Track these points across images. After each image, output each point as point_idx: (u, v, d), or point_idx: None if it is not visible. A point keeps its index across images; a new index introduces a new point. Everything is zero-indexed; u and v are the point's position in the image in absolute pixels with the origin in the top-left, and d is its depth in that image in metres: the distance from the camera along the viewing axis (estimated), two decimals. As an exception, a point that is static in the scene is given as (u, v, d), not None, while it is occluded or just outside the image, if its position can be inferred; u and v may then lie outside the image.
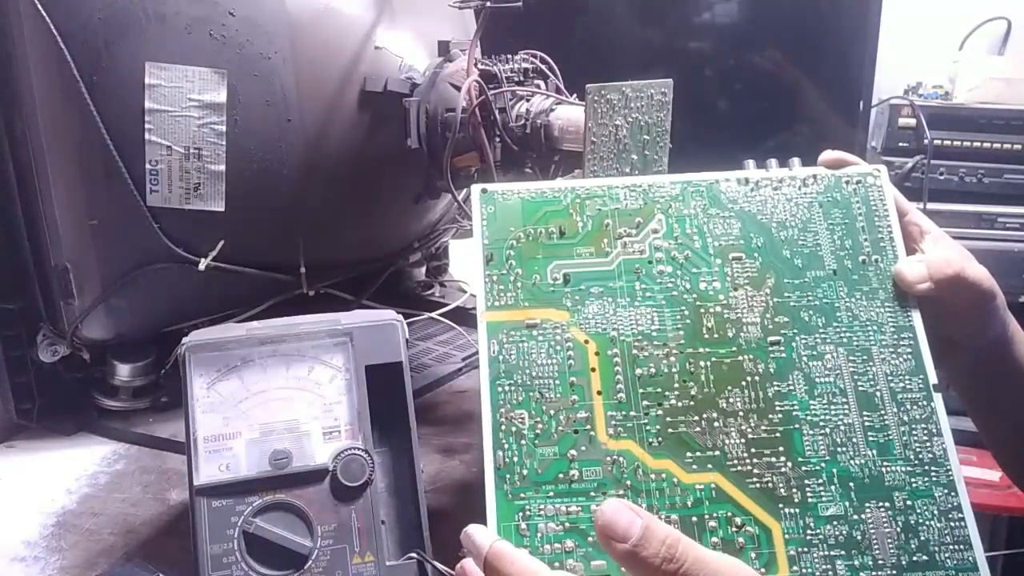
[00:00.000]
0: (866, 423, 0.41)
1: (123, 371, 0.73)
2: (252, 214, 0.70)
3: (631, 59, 1.31)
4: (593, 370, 0.42)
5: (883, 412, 0.41)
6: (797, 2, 1.30)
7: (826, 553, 0.38)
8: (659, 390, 0.42)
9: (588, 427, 0.41)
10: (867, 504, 0.39)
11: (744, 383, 0.42)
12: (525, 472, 0.40)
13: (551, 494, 0.40)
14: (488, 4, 0.71)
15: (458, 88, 0.72)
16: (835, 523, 0.39)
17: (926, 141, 1.36)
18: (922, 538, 0.39)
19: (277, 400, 0.46)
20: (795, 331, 0.43)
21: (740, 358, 0.43)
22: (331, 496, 0.44)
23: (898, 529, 0.39)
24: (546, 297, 0.44)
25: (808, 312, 0.44)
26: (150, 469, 0.66)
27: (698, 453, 0.41)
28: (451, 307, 0.94)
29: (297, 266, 0.75)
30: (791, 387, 0.42)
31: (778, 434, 0.41)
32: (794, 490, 0.40)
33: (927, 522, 0.39)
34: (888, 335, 0.43)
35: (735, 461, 0.40)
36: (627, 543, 0.32)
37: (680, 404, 0.42)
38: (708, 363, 0.42)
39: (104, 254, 0.66)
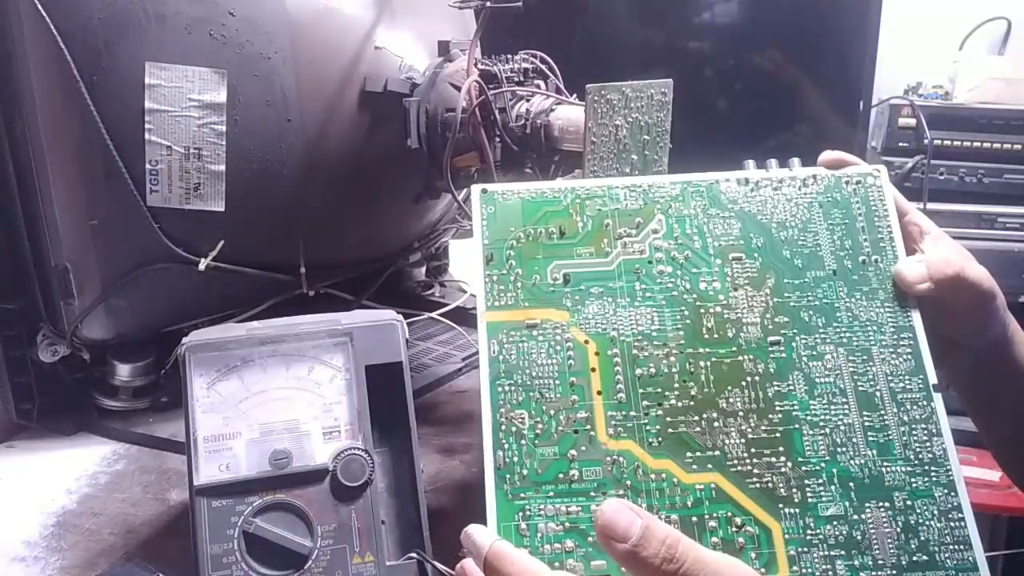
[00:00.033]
0: (866, 423, 0.41)
1: (123, 371, 0.73)
2: (252, 214, 0.70)
3: (631, 59, 1.31)
4: (593, 370, 0.42)
5: (883, 412, 0.41)
6: (797, 2, 1.30)
7: (826, 553, 0.38)
8: (659, 390, 0.42)
9: (588, 427, 0.41)
10: (867, 504, 0.39)
11: (744, 383, 0.42)
12: (525, 472, 0.40)
13: (551, 494, 0.40)
14: (488, 4, 0.71)
15: (458, 88, 0.72)
16: (835, 523, 0.39)
17: (926, 141, 1.36)
18: (922, 538, 0.39)
19: (277, 400, 0.46)
20: (795, 331, 0.43)
21: (740, 358, 0.43)
22: (331, 496, 0.44)
23: (898, 529, 0.39)
24: (546, 297, 0.44)
25: (808, 312, 0.44)
26: (150, 469, 0.66)
27: (698, 453, 0.41)
28: (451, 307, 0.94)
29: (297, 266, 0.75)
30: (791, 387, 0.42)
31: (778, 434, 0.41)
32: (794, 490, 0.40)
33: (927, 522, 0.39)
34: (888, 335, 0.43)
35: (735, 461, 0.40)
36: (627, 543, 0.32)
37: (680, 404, 0.42)
38: (708, 363, 0.42)
39: (104, 254, 0.66)
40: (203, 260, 0.68)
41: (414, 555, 0.44)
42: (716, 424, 0.41)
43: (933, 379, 0.42)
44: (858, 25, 1.26)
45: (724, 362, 0.43)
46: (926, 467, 0.40)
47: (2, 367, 0.69)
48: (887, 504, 0.39)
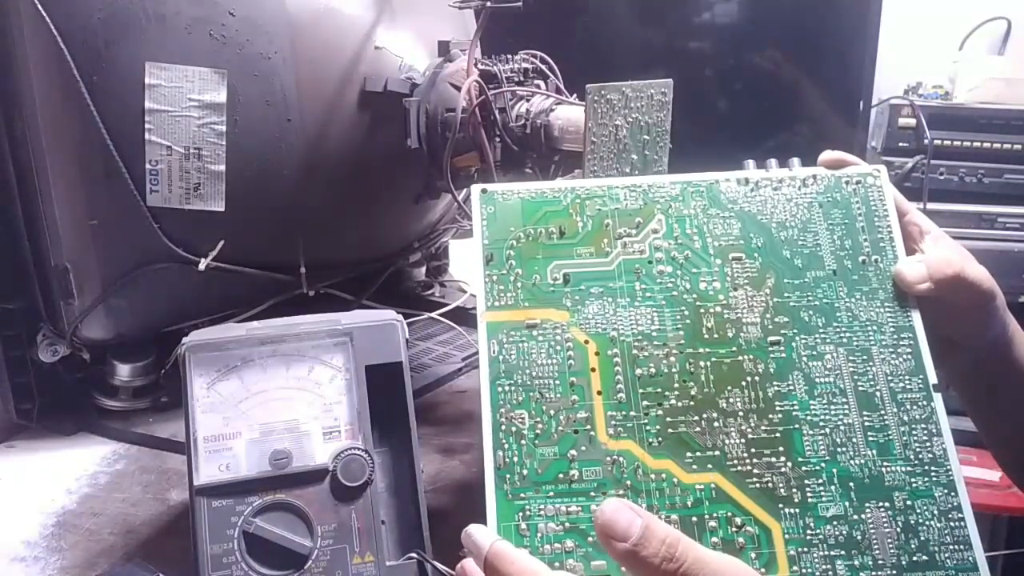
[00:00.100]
0: (866, 423, 0.41)
1: (123, 371, 0.73)
2: (252, 214, 0.70)
3: (631, 59, 1.31)
4: (593, 370, 0.42)
5: (883, 412, 0.41)
6: (797, 2, 1.30)
7: (826, 553, 0.38)
8: (659, 390, 0.42)
9: (588, 427, 0.41)
10: (867, 504, 0.39)
11: (744, 383, 0.42)
12: (525, 472, 0.40)
13: (551, 494, 0.40)
14: (488, 4, 0.71)
15: (458, 88, 0.72)
16: (835, 523, 0.39)
17: (926, 141, 1.36)
18: (922, 538, 0.39)
19: (277, 400, 0.46)
20: (795, 331, 0.43)
21: (740, 358, 0.43)
22: (331, 496, 0.44)
23: (898, 529, 0.39)
24: (546, 297, 0.44)
25: (808, 312, 0.44)
26: (150, 469, 0.66)
27: (698, 453, 0.41)
28: (451, 307, 0.94)
29: (297, 266, 0.75)
30: (791, 387, 0.42)
31: (778, 434, 0.41)
32: (794, 490, 0.40)
33: (927, 522, 0.39)
34: (888, 335, 0.43)
35: (735, 461, 0.40)
36: (627, 542, 0.32)
37: (680, 404, 0.42)
38: (708, 363, 0.42)
39: (104, 254, 0.66)
40: (203, 260, 0.68)
41: (414, 555, 0.44)
42: (716, 424, 0.41)
43: (933, 379, 0.42)
44: (858, 25, 1.26)
45: (724, 362, 0.42)
46: (926, 467, 0.40)
47: (2, 367, 0.69)
48: (887, 504, 0.39)
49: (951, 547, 0.39)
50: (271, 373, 0.47)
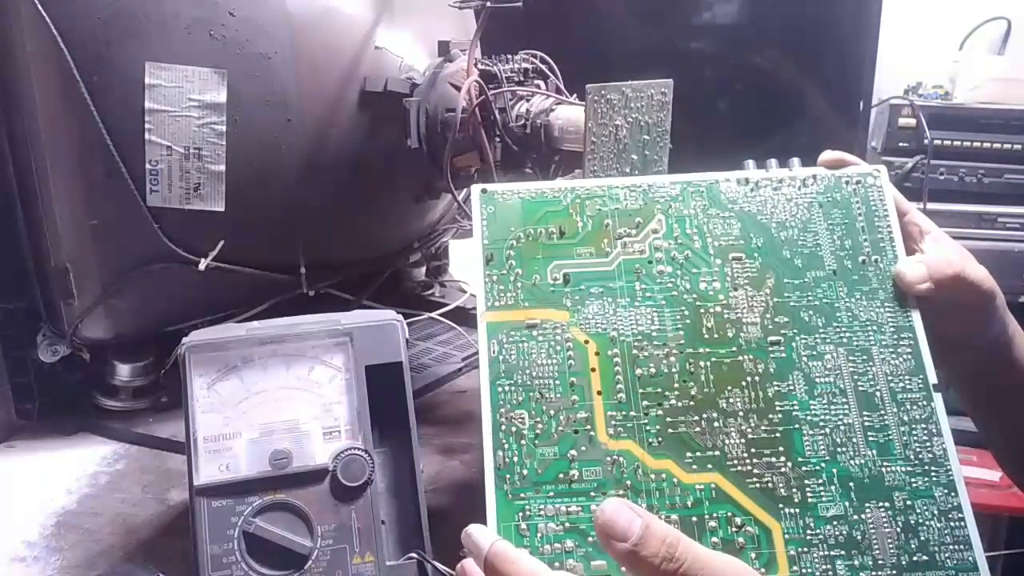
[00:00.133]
0: (866, 423, 0.41)
1: (123, 371, 0.73)
2: (252, 214, 0.70)
3: (631, 59, 1.31)
4: (593, 370, 0.42)
5: (883, 412, 0.41)
6: (797, 2, 1.30)
7: (826, 553, 0.38)
8: (659, 390, 0.42)
9: (588, 427, 0.41)
10: (867, 504, 0.39)
11: (744, 383, 0.42)
12: (525, 472, 0.40)
13: (551, 494, 0.40)
14: (488, 4, 0.71)
15: (458, 88, 0.72)
16: (835, 523, 0.39)
17: (926, 141, 1.36)
18: (922, 538, 0.39)
19: (277, 400, 0.46)
20: (795, 331, 0.43)
21: (740, 358, 0.43)
22: (331, 496, 0.44)
23: (898, 529, 0.39)
24: (546, 297, 0.44)
25: (808, 312, 0.44)
26: (150, 469, 0.66)
27: (698, 453, 0.41)
28: (451, 307, 0.94)
29: (297, 266, 0.75)
30: (791, 387, 0.42)
31: (778, 434, 0.41)
32: (794, 490, 0.40)
33: (927, 522, 0.39)
34: (888, 335, 0.43)
35: (735, 461, 0.40)
36: (627, 542, 0.32)
37: (680, 404, 0.42)
38: (708, 363, 0.42)
39: (104, 254, 0.66)
40: (203, 260, 0.68)
41: (414, 555, 0.44)
42: (716, 424, 0.41)
43: (933, 379, 0.42)
44: (858, 25, 1.26)
45: (724, 362, 0.43)
46: (926, 467, 0.40)
47: (2, 367, 0.69)
48: (887, 504, 0.39)
49: (951, 547, 0.39)
50: (271, 373, 0.47)
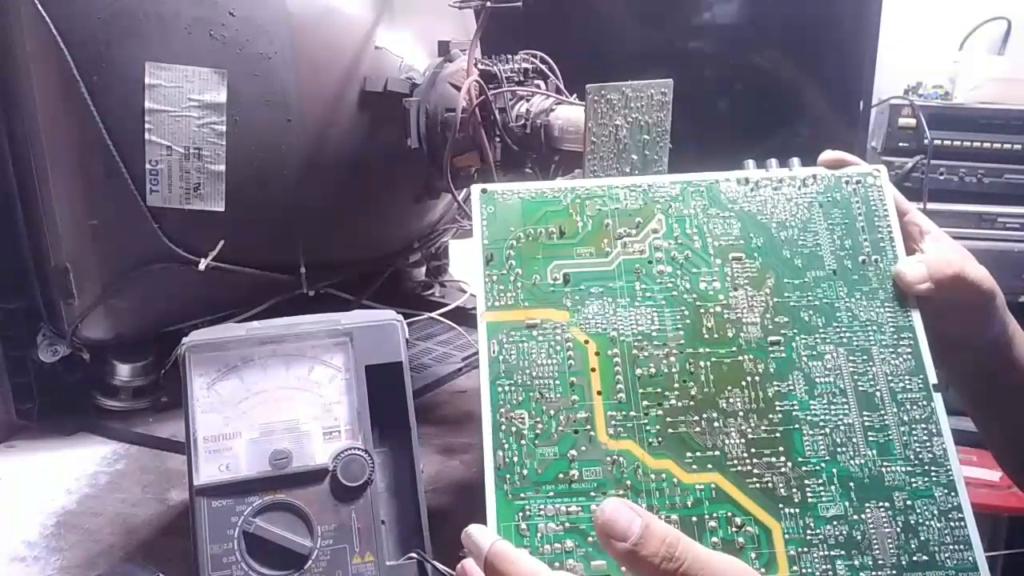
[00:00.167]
0: (866, 423, 0.41)
1: (123, 371, 0.73)
2: (252, 214, 0.70)
3: (631, 59, 1.31)
4: (593, 370, 0.42)
5: (883, 412, 0.41)
6: (797, 2, 1.30)
7: (826, 553, 0.38)
8: (659, 390, 0.42)
9: (588, 427, 0.41)
10: (867, 504, 0.39)
11: (744, 383, 0.42)
12: (525, 472, 0.40)
13: (551, 494, 0.40)
14: (488, 4, 0.71)
15: (458, 88, 0.72)
16: (835, 523, 0.39)
17: (926, 141, 1.36)
18: (922, 538, 0.39)
19: (277, 400, 0.46)
20: (795, 331, 0.43)
21: (740, 358, 0.43)
22: (331, 496, 0.44)
23: (898, 529, 0.39)
24: (546, 297, 0.44)
25: (808, 312, 0.44)
26: (150, 469, 0.66)
27: (698, 453, 0.41)
28: (451, 307, 0.94)
29: (297, 266, 0.75)
30: (791, 387, 0.42)
31: (778, 434, 0.41)
32: (794, 490, 0.40)
33: (927, 522, 0.39)
34: (888, 335, 0.43)
35: (735, 461, 0.40)
36: (627, 542, 0.32)
37: (680, 404, 0.42)
38: (708, 363, 0.42)
39: (104, 254, 0.66)
40: (203, 260, 0.68)
41: (414, 555, 0.44)
42: (716, 424, 0.41)
43: (933, 379, 0.42)
44: (858, 25, 1.26)
45: (724, 362, 0.42)
46: (926, 467, 0.40)
47: (2, 367, 0.69)
48: (887, 504, 0.39)
49: (951, 547, 0.39)
50: (271, 373, 0.47)
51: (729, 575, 0.33)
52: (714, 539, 0.39)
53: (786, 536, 0.39)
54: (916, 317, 0.43)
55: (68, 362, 0.70)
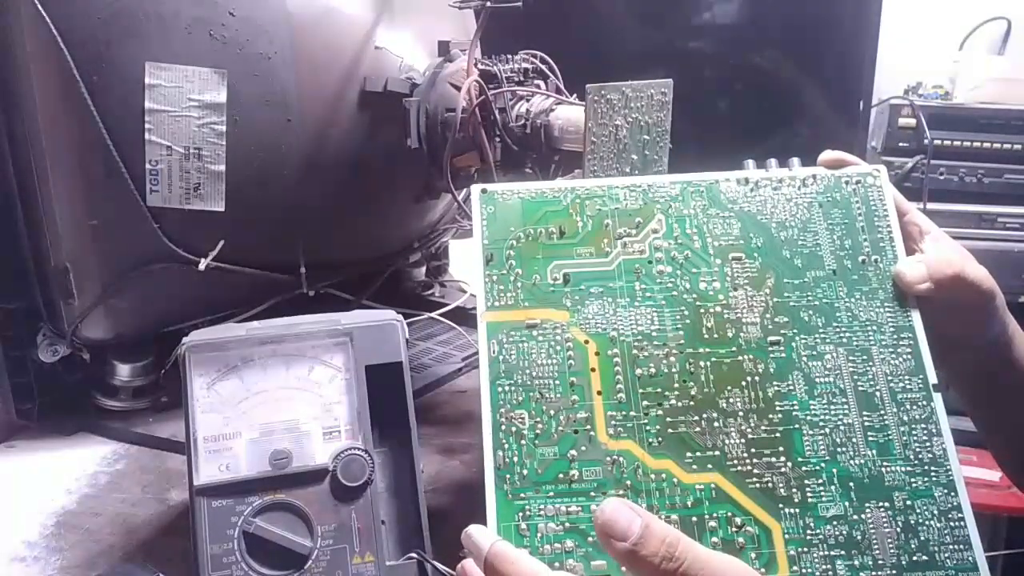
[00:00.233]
0: (866, 423, 0.41)
1: (123, 371, 0.73)
2: (252, 214, 0.70)
3: (631, 59, 1.31)
4: (593, 370, 0.42)
5: (883, 412, 0.41)
6: (797, 2, 1.30)
7: (826, 553, 0.38)
8: (659, 390, 0.42)
9: (588, 427, 0.41)
10: (867, 504, 0.39)
11: (744, 383, 0.42)
12: (525, 472, 0.40)
13: (551, 494, 0.40)
14: (488, 4, 0.71)
15: (458, 88, 0.72)
16: (835, 523, 0.39)
17: (926, 141, 1.36)
18: (922, 538, 0.39)
19: (277, 400, 0.46)
20: (795, 331, 0.43)
21: (740, 358, 0.43)
22: (331, 496, 0.44)
23: (898, 529, 0.39)
24: (546, 297, 0.44)
25: (808, 312, 0.44)
26: (150, 469, 0.66)
27: (698, 453, 0.41)
28: (451, 307, 0.94)
29: (297, 266, 0.75)
30: (791, 387, 0.42)
31: (778, 434, 0.41)
32: (794, 490, 0.40)
33: (927, 522, 0.39)
34: (888, 335, 0.43)
35: (735, 461, 0.40)
36: (627, 542, 0.32)
37: (680, 404, 0.42)
38: (708, 363, 0.42)
39: (104, 254, 0.66)
40: (203, 260, 0.68)
41: (414, 555, 0.44)
42: (716, 424, 0.41)
43: (933, 379, 0.42)
44: (858, 25, 1.26)
45: (724, 362, 0.43)
46: (926, 467, 0.40)
47: (2, 367, 0.69)
48: (887, 504, 0.39)
49: (951, 547, 0.39)
50: (271, 373, 0.47)
51: (729, 575, 0.33)
52: (714, 539, 0.39)
53: (786, 536, 0.39)
54: (916, 317, 0.43)
55: (68, 362, 0.70)
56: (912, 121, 1.38)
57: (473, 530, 0.37)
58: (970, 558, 0.39)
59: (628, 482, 0.40)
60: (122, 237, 0.66)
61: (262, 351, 0.47)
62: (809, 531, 0.39)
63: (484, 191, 0.46)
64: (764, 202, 0.46)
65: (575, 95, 0.72)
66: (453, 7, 0.75)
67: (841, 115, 1.28)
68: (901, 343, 0.43)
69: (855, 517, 0.39)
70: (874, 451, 0.41)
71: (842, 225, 0.46)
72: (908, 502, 0.40)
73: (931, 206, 1.32)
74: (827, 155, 0.48)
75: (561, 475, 0.40)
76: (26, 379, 0.70)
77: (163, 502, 0.61)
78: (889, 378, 0.42)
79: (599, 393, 0.42)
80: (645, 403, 0.41)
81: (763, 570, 0.38)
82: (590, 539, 0.38)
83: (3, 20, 0.60)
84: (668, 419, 0.41)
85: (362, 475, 0.44)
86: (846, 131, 1.28)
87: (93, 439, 0.71)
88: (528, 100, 0.72)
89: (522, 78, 0.74)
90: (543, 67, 0.76)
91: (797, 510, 0.39)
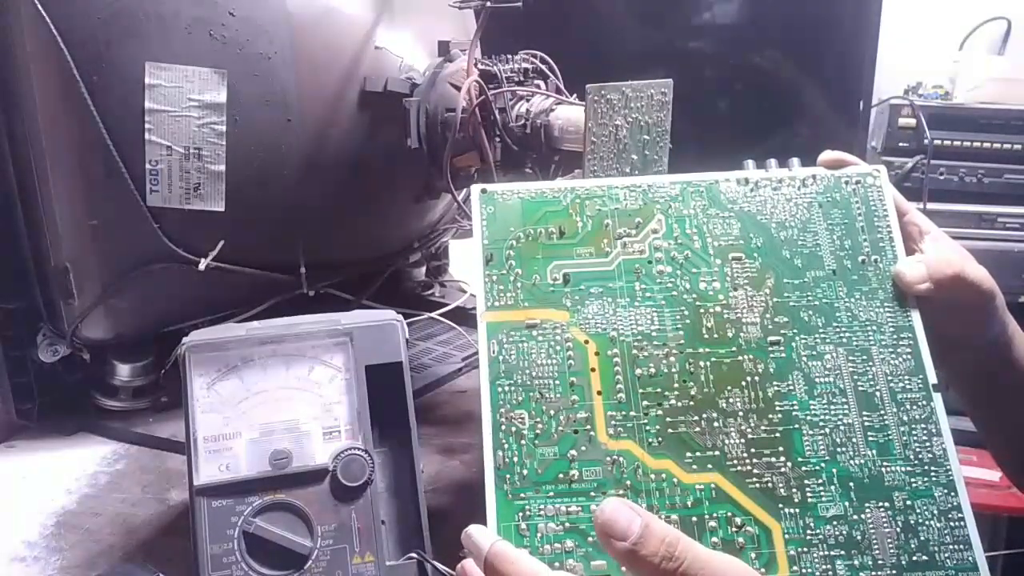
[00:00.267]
0: (866, 423, 0.41)
1: (123, 371, 0.73)
2: (252, 214, 0.70)
3: (631, 59, 1.31)
4: (593, 370, 0.42)
5: (883, 412, 0.41)
6: (797, 2, 1.30)
7: (826, 553, 0.38)
8: (659, 390, 0.42)
9: (588, 427, 0.41)
10: (867, 504, 0.39)
11: (744, 383, 0.42)
12: (525, 472, 0.40)
13: (551, 494, 0.40)
14: (488, 4, 0.71)
15: (458, 88, 0.72)
16: (835, 523, 0.39)
17: (926, 141, 1.36)
18: (922, 538, 0.39)
19: (277, 400, 0.46)
20: (795, 331, 0.43)
21: (740, 358, 0.43)
22: (331, 496, 0.44)
23: (898, 529, 0.39)
24: (546, 297, 0.44)
25: (808, 312, 0.44)
26: (150, 469, 0.66)
27: (698, 453, 0.41)
28: (451, 307, 0.94)
29: (297, 266, 0.75)
30: (791, 387, 0.42)
31: (778, 434, 0.41)
32: (794, 490, 0.40)
33: (927, 522, 0.39)
34: (888, 335, 0.43)
35: (735, 461, 0.40)
36: (627, 542, 0.32)
37: (680, 404, 0.42)
38: (708, 363, 0.42)
39: (104, 254, 0.66)
40: (203, 260, 0.68)
41: (414, 555, 0.44)
42: (716, 424, 0.41)
43: (933, 379, 0.42)
44: (858, 25, 1.26)
45: (724, 362, 0.43)
46: (926, 467, 0.40)
47: (2, 367, 0.69)
48: (887, 504, 0.39)
49: (951, 547, 0.39)
50: (271, 373, 0.47)
51: (729, 575, 0.33)
52: (714, 539, 0.39)
53: (786, 536, 0.39)
54: (916, 317, 0.44)
55: (68, 362, 0.70)
56: (912, 121, 1.38)
57: (473, 530, 0.37)
58: (970, 558, 0.39)
59: (628, 482, 0.40)
60: (122, 237, 0.66)
61: (262, 351, 0.47)
62: (809, 531, 0.39)
63: (484, 191, 0.46)
64: (764, 202, 0.46)
65: (575, 95, 0.72)
66: (453, 7, 0.75)
67: (841, 115, 1.28)
68: (901, 343, 0.43)
69: (855, 517, 0.39)
70: (874, 451, 0.41)
71: (842, 225, 0.46)
72: (908, 502, 0.40)
73: (931, 206, 1.32)
74: (827, 155, 0.48)
75: (561, 475, 0.40)
76: (26, 379, 0.70)
77: (163, 502, 0.61)
78: (889, 378, 0.42)
79: (599, 393, 0.42)
80: (645, 403, 0.41)
81: (763, 570, 0.38)
82: (590, 539, 0.38)
83: (3, 20, 0.60)
84: (668, 419, 0.41)
85: (362, 475, 0.44)
86: (846, 131, 1.27)
87: (93, 439, 0.71)
88: (528, 100, 0.72)
89: (522, 78, 0.74)
90: (543, 67, 0.76)
91: (797, 510, 0.39)
